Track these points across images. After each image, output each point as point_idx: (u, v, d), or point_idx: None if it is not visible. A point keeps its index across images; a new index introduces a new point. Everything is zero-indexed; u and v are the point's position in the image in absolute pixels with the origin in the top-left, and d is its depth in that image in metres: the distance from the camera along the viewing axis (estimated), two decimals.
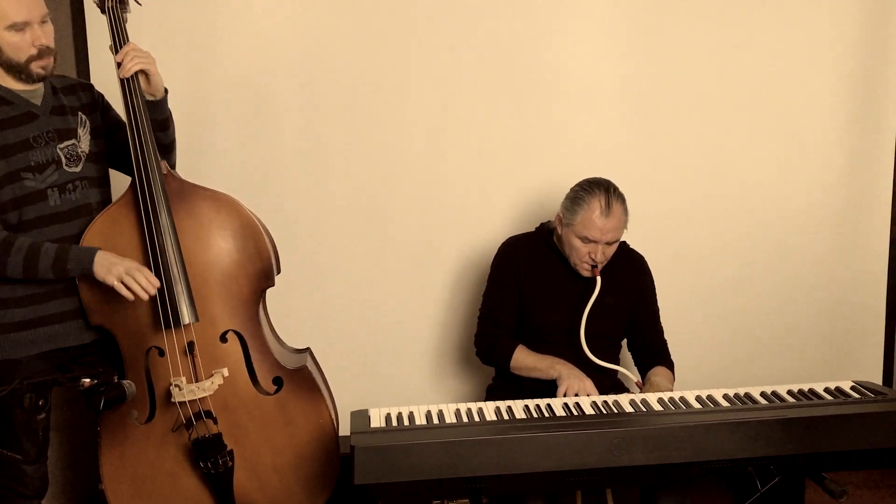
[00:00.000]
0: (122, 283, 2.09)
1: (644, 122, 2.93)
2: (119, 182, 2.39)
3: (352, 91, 2.84)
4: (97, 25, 2.65)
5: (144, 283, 2.10)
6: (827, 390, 2.19)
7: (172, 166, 2.39)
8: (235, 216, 2.29)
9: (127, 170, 2.28)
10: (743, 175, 2.97)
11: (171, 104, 2.32)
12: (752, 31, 2.90)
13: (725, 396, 2.17)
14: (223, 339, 2.28)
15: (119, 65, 2.21)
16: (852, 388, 2.20)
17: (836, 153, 2.98)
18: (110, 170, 2.38)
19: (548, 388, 2.42)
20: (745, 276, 3.02)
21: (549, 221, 2.62)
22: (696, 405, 2.12)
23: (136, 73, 2.21)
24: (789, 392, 2.19)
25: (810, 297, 3.05)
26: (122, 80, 2.21)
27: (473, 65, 2.87)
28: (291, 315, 2.79)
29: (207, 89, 2.80)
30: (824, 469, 2.08)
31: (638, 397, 2.19)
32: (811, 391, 2.19)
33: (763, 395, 2.18)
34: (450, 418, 2.07)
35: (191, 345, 2.23)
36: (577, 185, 2.47)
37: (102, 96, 2.35)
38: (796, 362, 3.07)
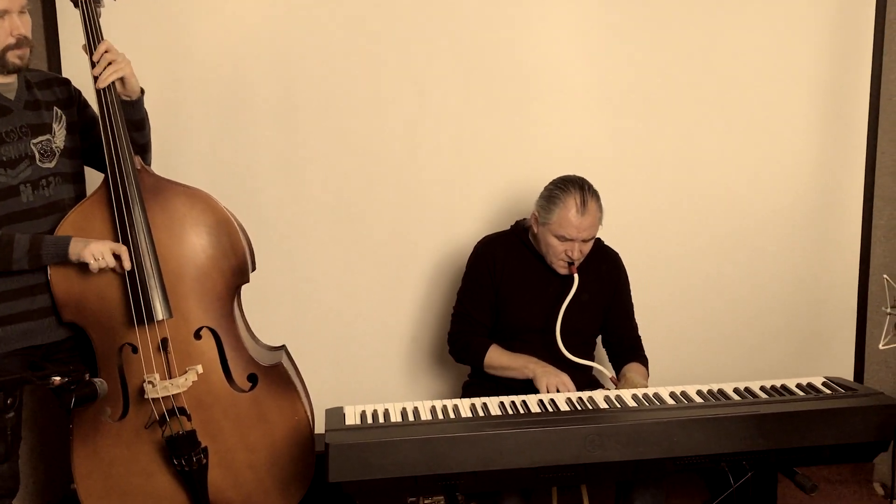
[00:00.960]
0: (98, 262, 2.10)
1: (619, 121, 2.94)
2: (94, 179, 2.36)
3: (327, 88, 2.82)
4: (69, 20, 2.62)
5: (113, 263, 2.11)
6: (799, 386, 2.22)
7: (147, 163, 2.37)
8: (210, 212, 2.28)
9: (100, 166, 2.26)
10: (717, 174, 2.99)
11: (145, 98, 2.30)
12: (725, 33, 2.92)
13: (699, 392, 2.18)
14: (197, 335, 2.26)
15: (93, 64, 2.18)
16: (824, 383, 2.22)
17: (808, 153, 3.01)
18: (85, 167, 2.36)
19: (524, 384, 2.43)
20: (719, 273, 3.04)
21: (524, 219, 2.62)
22: (670, 401, 2.14)
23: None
24: (762, 388, 2.21)
25: (783, 294, 3.07)
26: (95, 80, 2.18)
27: (450, 63, 2.86)
28: (267, 312, 2.77)
29: (181, 84, 2.77)
30: (796, 464, 2.10)
31: (612, 394, 2.20)
32: (783, 387, 2.21)
33: (736, 391, 2.20)
34: (425, 415, 2.07)
35: (164, 341, 2.22)
36: (552, 182, 2.48)
37: (80, 92, 2.33)
38: (770, 359, 3.09)
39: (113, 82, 2.18)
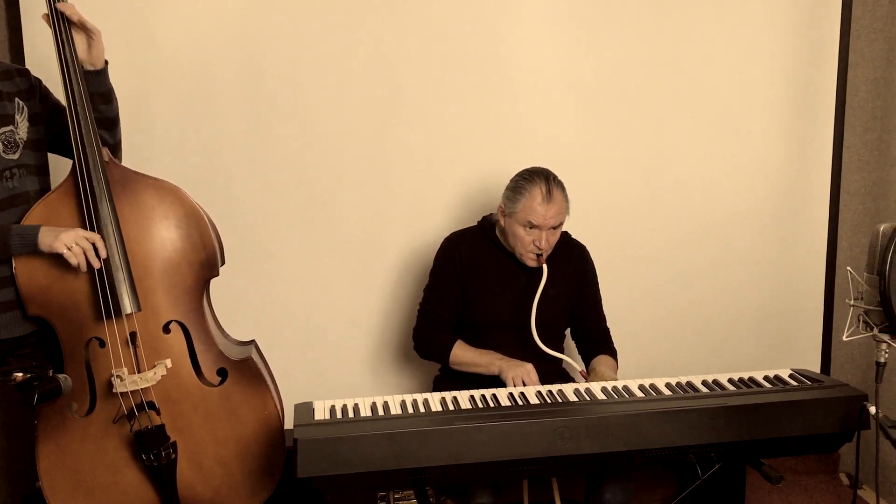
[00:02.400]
0: (71, 251, 2.06)
1: (588, 117, 2.95)
2: (59, 173, 2.33)
3: (297, 81, 2.80)
4: (31, 9, 2.58)
5: (90, 249, 2.07)
6: (766, 378, 2.24)
7: (118, 145, 2.33)
8: (179, 205, 2.25)
9: (69, 153, 2.22)
10: (686, 169, 3.01)
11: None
12: (695, 30, 2.94)
13: (668, 385, 2.20)
14: (166, 329, 2.24)
15: (56, 32, 2.12)
16: (790, 375, 2.25)
17: (776, 149, 3.04)
18: (51, 158, 2.32)
19: (492, 378, 2.44)
20: (688, 267, 3.06)
21: (491, 215, 2.62)
22: (639, 394, 2.16)
23: (75, 36, 2.13)
24: (730, 380, 2.23)
25: (752, 288, 3.10)
26: (60, 58, 2.12)
27: (420, 59, 2.85)
28: (236, 306, 2.75)
29: (149, 77, 2.73)
30: (763, 455, 2.13)
31: (582, 386, 2.21)
32: (751, 379, 2.24)
33: (704, 383, 2.22)
34: (395, 410, 2.07)
35: (133, 335, 2.19)
36: (517, 174, 2.48)
37: (40, 81, 2.29)
38: (739, 351, 3.13)
39: (76, 54, 2.14)
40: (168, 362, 2.22)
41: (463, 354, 2.51)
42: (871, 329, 1.82)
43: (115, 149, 2.33)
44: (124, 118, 2.37)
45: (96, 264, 2.10)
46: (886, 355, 1.85)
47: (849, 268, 1.86)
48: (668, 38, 2.93)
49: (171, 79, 2.75)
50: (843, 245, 3.18)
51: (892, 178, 3.10)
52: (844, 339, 1.88)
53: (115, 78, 2.28)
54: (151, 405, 2.20)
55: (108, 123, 2.27)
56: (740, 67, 2.98)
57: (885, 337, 1.81)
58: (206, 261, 2.28)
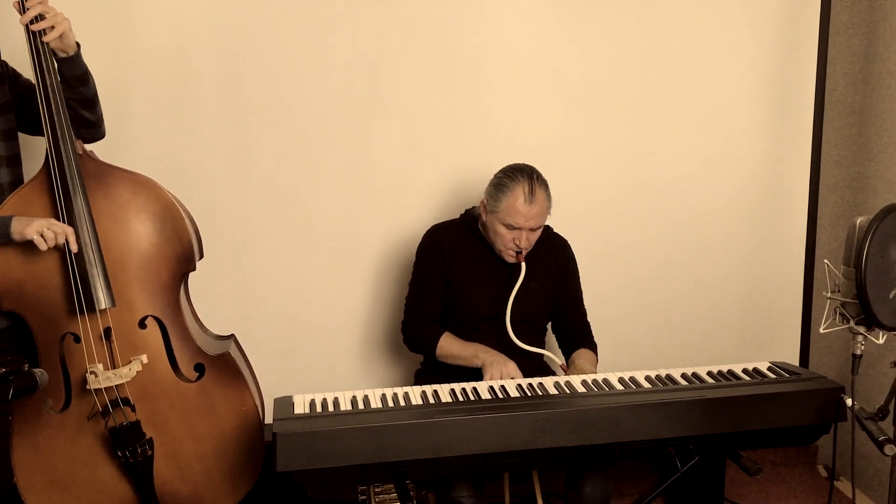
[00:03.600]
0: (43, 237, 2.03)
1: (570, 112, 2.94)
2: (32, 165, 2.29)
3: (275, 74, 2.77)
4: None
5: (61, 235, 2.05)
6: (745, 371, 2.25)
7: (100, 121, 2.29)
8: (154, 199, 2.23)
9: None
10: (666, 164, 3.01)
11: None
12: (675, 25, 2.94)
13: (647, 378, 2.21)
14: (142, 324, 2.21)
15: (27, 26, 2.08)
16: (769, 368, 2.26)
17: (756, 143, 3.05)
18: (23, 148, 2.28)
19: (475, 372, 2.44)
20: (669, 260, 3.07)
21: (473, 208, 2.62)
22: (619, 387, 2.16)
23: (48, 45, 2.10)
24: (709, 373, 2.24)
25: (731, 281, 3.12)
26: (32, 50, 2.09)
27: (400, 51, 2.83)
28: (215, 301, 2.73)
29: (124, 69, 2.70)
30: (742, 448, 2.14)
31: (562, 380, 2.21)
32: (730, 372, 2.25)
33: (684, 376, 2.22)
34: (375, 403, 2.06)
35: (107, 331, 2.16)
36: (501, 171, 2.48)
37: (6, 64, 2.24)
38: (719, 345, 3.14)
39: (50, 52, 2.10)
40: (144, 358, 2.20)
41: (449, 346, 2.51)
42: (848, 321, 1.83)
43: (98, 124, 2.30)
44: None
45: (74, 248, 2.07)
46: (862, 347, 1.86)
47: (826, 261, 1.86)
48: (650, 32, 2.93)
49: (147, 71, 2.72)
50: (821, 239, 3.20)
51: (870, 172, 3.12)
52: (821, 331, 1.88)
53: (91, 70, 2.25)
54: (126, 401, 2.17)
55: (88, 103, 2.23)
56: (720, 63, 2.98)
57: (861, 329, 1.82)
58: (182, 255, 2.25)
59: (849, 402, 1.96)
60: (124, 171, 2.23)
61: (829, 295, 1.86)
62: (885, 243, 1.75)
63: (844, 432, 2.39)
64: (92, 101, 2.25)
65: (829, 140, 3.18)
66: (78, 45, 2.18)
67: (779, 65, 3.02)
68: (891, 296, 1.77)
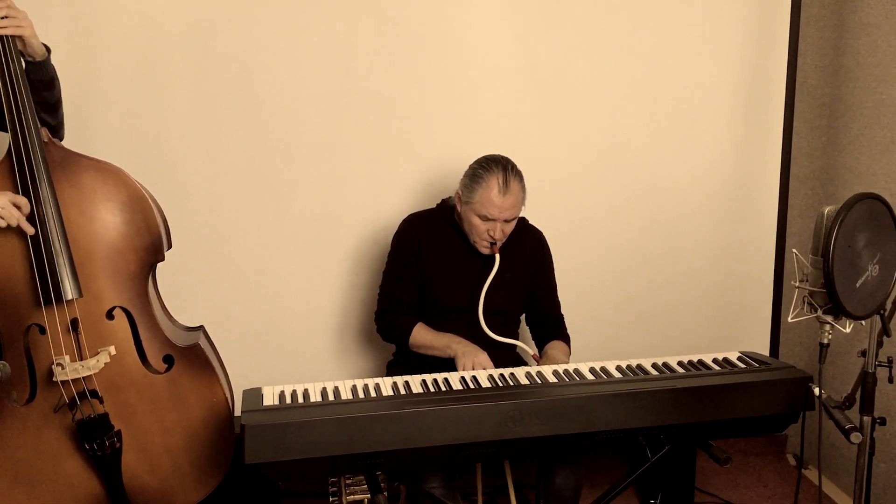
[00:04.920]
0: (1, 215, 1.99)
1: (543, 102, 2.94)
2: None
3: (246, 61, 2.74)
4: None
5: (15, 212, 2.01)
6: (715, 361, 2.26)
7: (61, 124, 2.25)
8: (122, 187, 2.19)
9: (4, 127, 2.14)
10: (638, 155, 3.03)
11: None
12: (648, 15, 2.95)
13: (618, 368, 2.21)
14: (110, 315, 2.18)
15: None
16: (739, 358, 2.28)
17: (728, 134, 3.07)
18: None
19: (447, 362, 2.43)
20: (640, 252, 3.09)
21: (450, 198, 2.61)
22: (590, 377, 2.16)
23: (12, 37, 2.06)
24: (679, 363, 2.25)
25: (703, 272, 3.14)
26: None
27: (376, 37, 2.82)
28: (184, 292, 2.70)
29: (91, 55, 2.66)
30: (712, 437, 2.15)
31: (533, 370, 2.21)
32: (700, 362, 2.26)
33: (654, 366, 2.23)
34: (346, 395, 2.05)
35: (74, 322, 2.13)
36: (476, 162, 2.47)
37: None
38: (691, 335, 3.16)
39: (13, 41, 2.06)
40: (112, 349, 2.17)
41: (422, 336, 2.50)
42: (816, 311, 1.84)
43: (57, 128, 2.26)
44: (67, 98, 2.29)
45: (30, 230, 2.03)
46: (830, 336, 1.88)
47: (794, 250, 1.88)
48: (624, 25, 2.94)
49: (116, 58, 2.68)
50: (791, 230, 3.23)
51: (839, 163, 3.15)
52: (789, 320, 1.90)
53: (57, 57, 2.21)
54: (94, 393, 2.14)
55: (50, 108, 2.20)
56: (693, 55, 3.00)
57: (829, 318, 1.84)
58: (150, 245, 2.22)
59: (816, 390, 1.98)
60: (91, 159, 2.19)
61: (797, 284, 1.87)
62: (852, 233, 1.76)
63: (813, 421, 2.41)
64: (54, 107, 2.22)
65: (800, 132, 3.21)
66: (49, 50, 2.14)
67: (750, 57, 3.03)
68: (858, 285, 1.79)
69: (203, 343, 2.34)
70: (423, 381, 2.16)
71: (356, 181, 2.88)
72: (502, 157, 2.45)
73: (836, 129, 3.17)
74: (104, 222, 2.17)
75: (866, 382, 2.08)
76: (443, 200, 2.64)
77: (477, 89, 2.90)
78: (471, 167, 2.47)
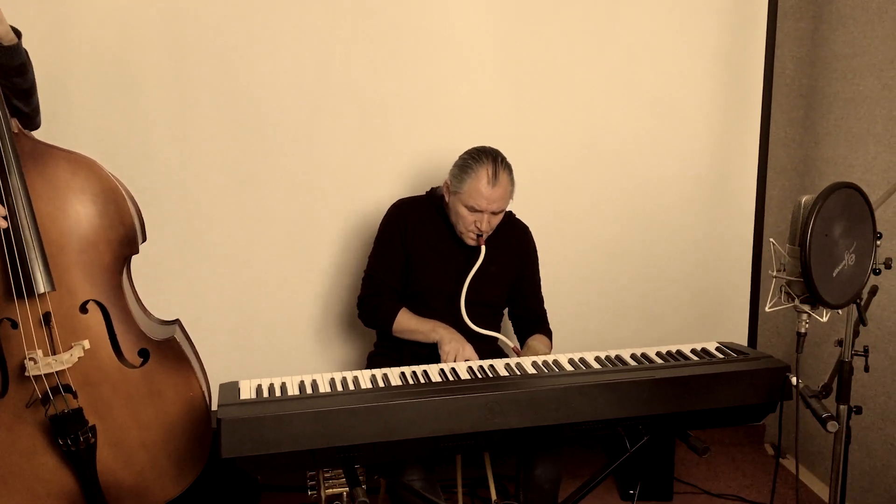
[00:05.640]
0: None
1: (523, 93, 2.93)
2: None
3: (222, 51, 2.71)
4: None
5: None
6: (693, 351, 2.27)
7: (36, 111, 2.21)
8: (95, 179, 2.16)
9: None
10: (618, 146, 3.03)
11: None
12: (627, 7, 2.94)
13: (597, 359, 2.21)
14: (83, 309, 2.15)
15: None
16: (717, 348, 2.28)
17: (706, 126, 3.07)
18: None
19: (430, 353, 2.42)
20: (620, 243, 3.09)
21: (439, 187, 2.59)
22: (569, 368, 2.16)
23: None
24: (658, 354, 2.25)
25: (682, 263, 3.15)
26: None
27: (356, 26, 2.79)
28: (160, 285, 2.68)
29: (63, 45, 2.61)
30: (690, 427, 2.15)
31: (513, 361, 2.20)
32: (678, 352, 2.26)
33: (633, 357, 2.23)
34: (324, 388, 2.03)
35: (47, 316, 2.09)
36: (466, 152, 2.46)
37: None
38: (670, 326, 3.17)
39: None
40: (86, 343, 2.14)
41: (407, 321, 2.48)
42: (793, 300, 1.85)
43: (32, 115, 2.22)
44: (41, 90, 2.25)
45: (1, 224, 2.00)
46: (807, 326, 1.88)
47: (771, 239, 1.88)
48: (602, 14, 2.93)
49: (88, 47, 2.64)
50: (769, 221, 3.25)
51: (817, 154, 3.17)
52: (767, 309, 1.90)
53: (29, 45, 2.17)
54: (68, 388, 2.11)
55: (23, 94, 2.15)
56: (671, 46, 3.00)
57: (806, 308, 1.84)
58: (124, 237, 2.19)
59: (794, 380, 1.99)
60: (63, 150, 2.15)
61: (774, 274, 1.88)
62: (829, 222, 1.77)
63: (791, 411, 2.42)
64: (27, 93, 2.17)
65: (778, 122, 3.23)
66: (19, 36, 2.10)
67: (728, 48, 3.04)
68: (834, 274, 1.79)
69: (179, 337, 2.32)
70: (403, 373, 2.14)
71: (336, 173, 2.86)
72: (492, 149, 2.44)
73: (813, 121, 3.19)
74: (76, 214, 2.14)
75: (843, 372, 2.10)
76: (432, 189, 2.63)
77: (458, 82, 2.89)
78: (461, 157, 2.46)
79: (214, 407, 2.25)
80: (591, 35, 2.94)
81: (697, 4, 2.98)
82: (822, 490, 3.08)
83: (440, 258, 2.53)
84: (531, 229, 2.67)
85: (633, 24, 2.96)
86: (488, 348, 2.55)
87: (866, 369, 2.13)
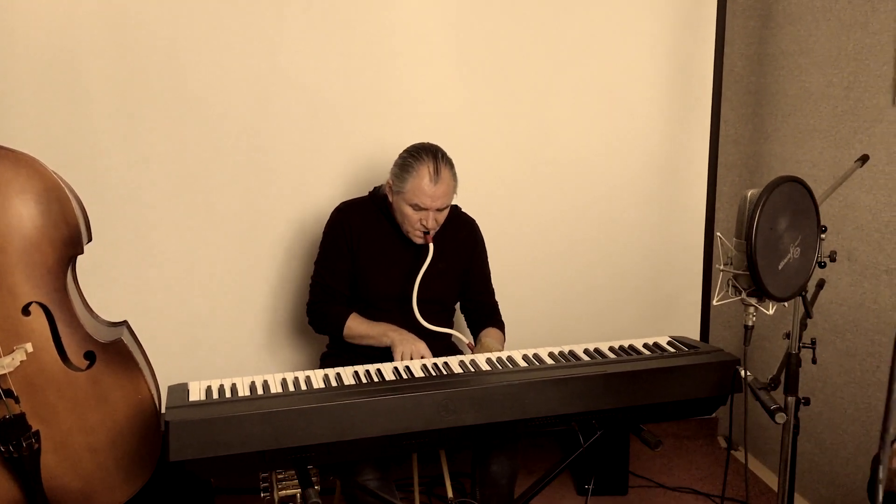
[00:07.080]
0: None
1: (473, 90, 2.93)
2: None
3: (168, 47, 2.66)
4: None
5: None
6: (645, 346, 2.29)
7: None
8: (37, 178, 2.10)
9: None
10: (568, 143, 3.04)
11: None
12: (576, 6, 2.95)
13: (551, 354, 2.21)
14: (25, 311, 2.09)
15: None
16: (669, 342, 2.30)
17: (656, 123, 3.10)
18: None
19: (382, 353, 2.40)
20: (572, 239, 3.10)
21: (381, 186, 2.57)
22: (523, 364, 2.16)
23: None
24: (611, 348, 2.27)
25: (635, 258, 3.17)
26: None
27: (303, 21, 2.76)
28: (107, 286, 2.62)
29: (3, 42, 2.54)
30: (643, 421, 2.17)
31: (467, 358, 2.20)
32: (631, 347, 2.28)
33: (586, 352, 2.24)
34: (275, 388, 2.00)
35: None
36: (405, 151, 2.44)
37: None
38: (624, 321, 3.20)
39: None
40: (28, 347, 2.08)
41: (357, 326, 2.46)
42: (740, 293, 1.87)
43: None
44: None
45: None
46: (754, 319, 1.91)
47: (718, 233, 1.90)
48: (551, 12, 2.94)
49: (29, 43, 2.56)
50: (720, 216, 3.29)
51: (766, 150, 3.22)
52: (714, 303, 1.92)
53: None
54: (9, 393, 2.05)
55: None
56: (621, 44, 3.02)
57: (753, 301, 1.87)
58: (68, 238, 2.14)
59: (743, 373, 2.01)
60: (4, 148, 2.09)
61: (721, 267, 1.90)
62: (774, 215, 1.79)
63: (742, 403, 2.46)
64: None
65: (727, 119, 3.27)
66: None
67: (678, 46, 3.07)
68: (780, 267, 1.82)
69: (126, 338, 2.27)
70: (356, 372, 2.12)
71: (284, 170, 2.82)
72: (432, 146, 2.43)
73: (762, 117, 3.24)
74: (19, 214, 2.08)
75: (790, 364, 2.13)
76: (374, 189, 2.61)
77: (406, 77, 2.87)
78: (400, 156, 2.44)
79: (163, 409, 2.21)
80: (541, 33, 2.95)
81: (648, 3, 3.01)
82: (773, 481, 3.13)
83: (388, 259, 2.51)
84: (483, 226, 2.67)
85: (583, 22, 2.97)
86: (442, 345, 2.55)
87: (814, 361, 2.17)
